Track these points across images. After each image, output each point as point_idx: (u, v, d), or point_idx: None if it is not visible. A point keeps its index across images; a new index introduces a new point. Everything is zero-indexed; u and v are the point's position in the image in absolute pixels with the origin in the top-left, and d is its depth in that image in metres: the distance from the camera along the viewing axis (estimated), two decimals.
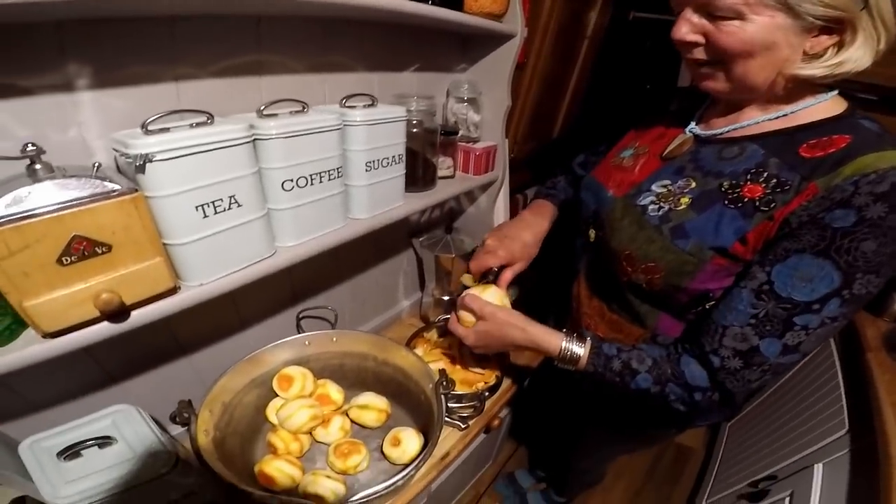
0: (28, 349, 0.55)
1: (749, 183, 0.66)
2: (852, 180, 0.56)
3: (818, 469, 1.14)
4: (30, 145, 0.51)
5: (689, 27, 0.63)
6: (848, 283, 0.58)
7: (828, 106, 0.66)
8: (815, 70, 0.60)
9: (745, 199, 0.65)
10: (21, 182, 0.50)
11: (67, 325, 0.55)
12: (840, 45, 0.59)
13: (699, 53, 0.65)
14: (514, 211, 1.97)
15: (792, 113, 0.67)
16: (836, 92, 0.67)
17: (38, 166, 0.52)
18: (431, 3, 0.86)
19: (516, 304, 0.92)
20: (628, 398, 0.77)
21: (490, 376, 1.14)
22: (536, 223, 1.03)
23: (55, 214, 0.49)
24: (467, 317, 0.90)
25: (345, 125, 0.78)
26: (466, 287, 0.98)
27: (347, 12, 0.80)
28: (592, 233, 0.87)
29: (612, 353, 0.76)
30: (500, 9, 1.01)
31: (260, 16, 0.76)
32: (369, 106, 0.83)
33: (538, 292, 1.38)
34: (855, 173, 0.56)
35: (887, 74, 1.67)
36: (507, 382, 1.19)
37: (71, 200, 0.50)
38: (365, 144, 0.81)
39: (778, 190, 0.63)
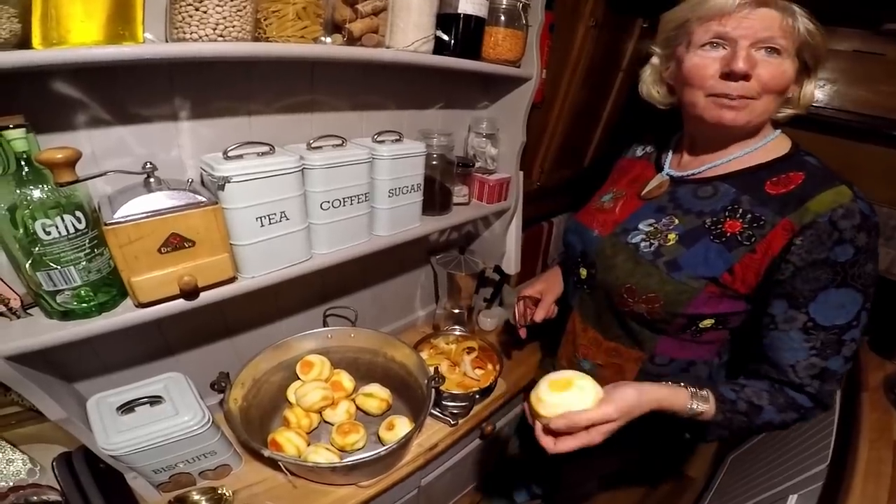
0: (125, 314, 0.80)
1: (728, 219, 0.82)
2: (827, 217, 0.72)
3: (792, 500, 1.26)
4: (148, 163, 0.77)
5: (747, 63, 0.73)
6: (868, 297, 0.76)
7: (778, 144, 0.85)
8: (783, 112, 0.82)
9: (728, 234, 0.81)
10: (139, 191, 0.76)
11: (156, 298, 0.80)
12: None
13: (739, 89, 0.76)
14: (535, 239, 2.17)
15: (754, 150, 0.84)
16: (780, 131, 0.86)
17: (152, 180, 0.78)
18: (453, 52, 1.08)
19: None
20: (745, 431, 0.89)
21: (485, 383, 1.35)
22: (553, 271, 1.24)
23: (161, 217, 0.74)
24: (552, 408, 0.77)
25: (373, 158, 1.02)
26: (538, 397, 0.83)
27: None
28: (583, 271, 1.03)
29: (732, 397, 0.82)
30: (516, 55, 1.22)
31: (314, 62, 1.01)
32: (396, 141, 1.07)
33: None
34: (824, 210, 0.73)
35: None
36: (499, 390, 1.41)
37: (173, 207, 0.75)
38: (389, 175, 1.05)
39: (755, 224, 0.79)
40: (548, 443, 0.78)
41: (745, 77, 0.75)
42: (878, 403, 1.39)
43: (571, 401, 0.75)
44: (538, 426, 0.80)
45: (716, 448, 2.34)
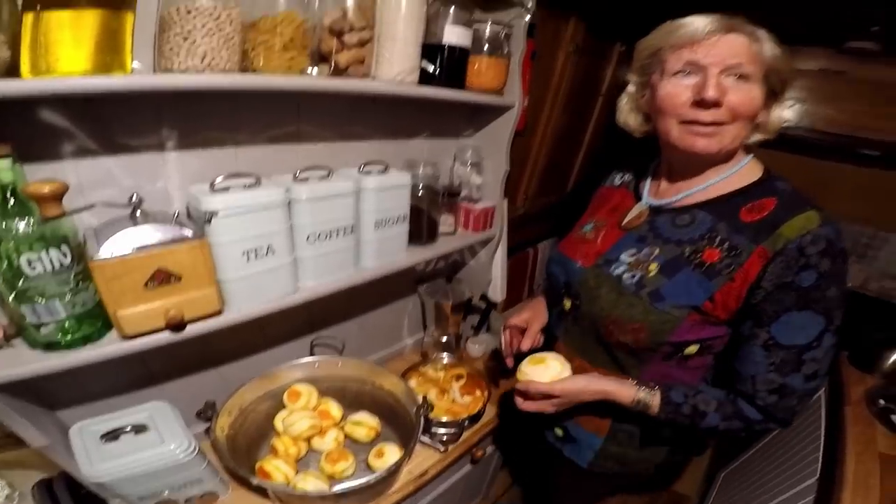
0: (110, 346, 0.79)
1: (707, 248, 0.84)
2: (796, 244, 0.75)
3: None
4: (135, 196, 0.77)
5: (717, 90, 0.76)
6: (830, 320, 0.78)
7: (751, 169, 0.87)
8: (754, 137, 0.85)
9: (707, 264, 0.83)
10: (126, 225, 0.76)
11: (142, 331, 0.79)
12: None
13: (710, 115, 0.78)
14: (521, 265, 2.19)
15: (728, 176, 0.87)
16: (752, 156, 0.89)
17: (138, 213, 0.77)
18: (438, 82, 1.09)
19: None
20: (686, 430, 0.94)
21: (474, 409, 1.35)
22: (539, 299, 1.24)
23: (148, 252, 0.74)
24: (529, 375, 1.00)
25: (359, 190, 1.02)
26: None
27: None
28: (568, 302, 1.04)
29: (680, 401, 0.89)
30: (499, 84, 1.24)
31: (300, 93, 1.01)
32: (382, 172, 1.08)
33: None
34: (794, 236, 0.75)
35: (890, 129, 1.81)
36: (488, 415, 1.40)
37: (159, 242, 0.75)
38: (375, 207, 1.05)
39: (732, 253, 0.81)
40: (518, 400, 1.01)
41: (716, 104, 0.77)
42: (860, 417, 1.41)
43: (536, 374, 0.98)
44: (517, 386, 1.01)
45: (707, 465, 2.34)
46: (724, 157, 0.86)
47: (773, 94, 0.83)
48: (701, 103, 0.78)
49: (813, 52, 1.90)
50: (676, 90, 0.81)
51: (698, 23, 0.78)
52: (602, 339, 0.96)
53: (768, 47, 0.78)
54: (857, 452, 1.25)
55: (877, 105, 1.84)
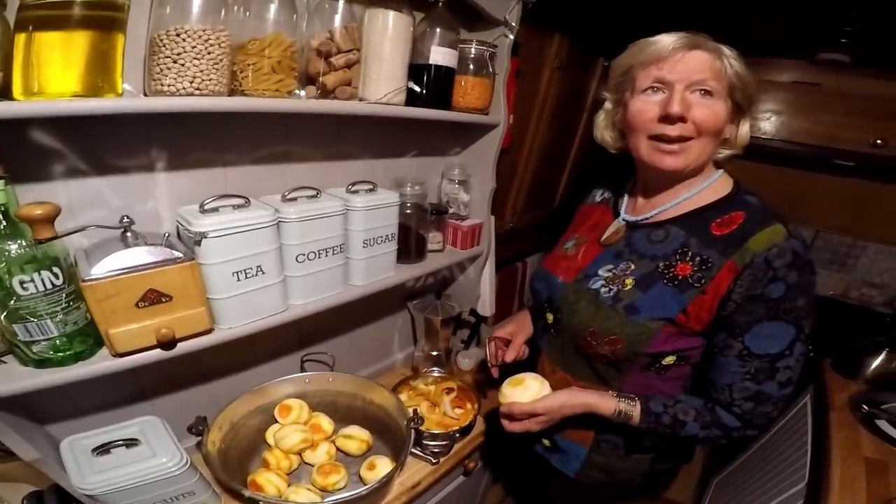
0: (102, 363, 0.79)
1: (679, 262, 0.87)
2: (763, 257, 0.77)
3: None
4: (125, 217, 0.78)
5: (681, 105, 0.79)
6: (801, 329, 0.80)
7: (721, 184, 0.90)
8: (722, 153, 0.88)
9: (680, 277, 0.86)
10: (116, 246, 0.76)
11: (133, 349, 0.80)
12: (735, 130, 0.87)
13: (676, 130, 0.82)
14: (511, 279, 2.20)
15: (700, 191, 0.89)
16: (722, 171, 0.92)
17: (128, 234, 0.78)
18: (424, 102, 1.11)
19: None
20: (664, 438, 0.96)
21: (465, 421, 1.35)
22: (524, 312, 1.27)
23: (139, 273, 0.75)
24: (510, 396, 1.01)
25: (347, 210, 1.03)
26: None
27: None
28: (550, 316, 1.06)
29: (659, 411, 0.91)
30: (484, 103, 1.26)
31: (289, 114, 1.03)
32: (370, 191, 1.09)
33: None
34: (761, 250, 0.78)
35: (863, 139, 1.82)
36: (479, 427, 1.41)
37: (150, 263, 0.76)
38: (363, 226, 1.06)
39: (704, 267, 0.84)
40: (504, 422, 1.01)
41: (682, 119, 0.80)
42: (845, 422, 1.44)
43: (517, 395, 0.99)
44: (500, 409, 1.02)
45: (700, 472, 2.35)
46: (693, 173, 0.89)
47: (740, 110, 0.86)
48: (666, 118, 0.81)
49: (787, 64, 1.91)
50: (645, 107, 0.84)
51: (665, 40, 0.82)
52: (582, 351, 0.98)
53: (732, 63, 0.81)
54: (843, 457, 1.27)
55: (851, 116, 1.85)
